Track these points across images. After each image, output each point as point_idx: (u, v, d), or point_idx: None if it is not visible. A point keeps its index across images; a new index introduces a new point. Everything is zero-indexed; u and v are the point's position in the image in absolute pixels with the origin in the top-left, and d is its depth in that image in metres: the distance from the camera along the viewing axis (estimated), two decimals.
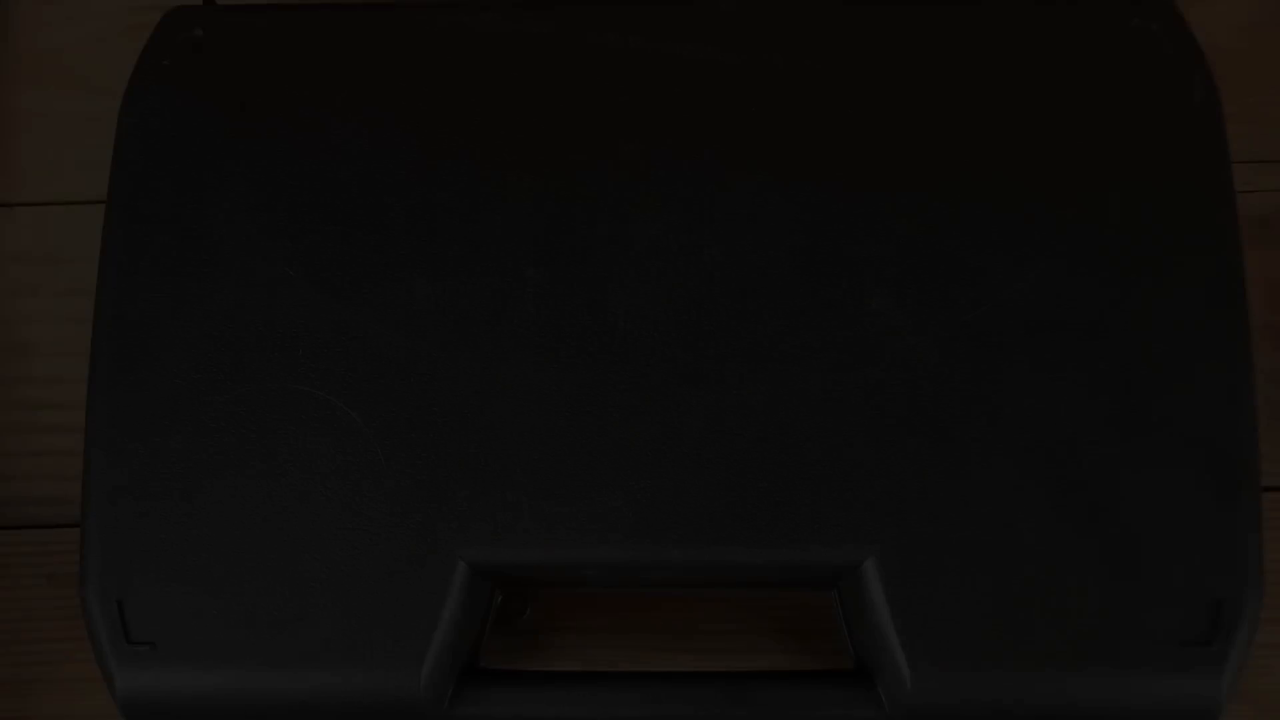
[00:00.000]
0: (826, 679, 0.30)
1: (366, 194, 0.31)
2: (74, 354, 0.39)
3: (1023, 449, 0.29)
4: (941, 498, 0.29)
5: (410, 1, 0.34)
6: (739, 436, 0.29)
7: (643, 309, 0.30)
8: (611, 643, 0.35)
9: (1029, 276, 0.30)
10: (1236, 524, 0.28)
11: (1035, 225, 0.30)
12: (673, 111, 0.32)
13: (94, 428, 0.30)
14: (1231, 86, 0.39)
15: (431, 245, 0.31)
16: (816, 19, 0.32)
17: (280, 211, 0.31)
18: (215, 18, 0.33)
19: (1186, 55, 0.32)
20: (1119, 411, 0.26)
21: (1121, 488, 0.28)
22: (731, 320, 0.30)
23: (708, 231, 0.31)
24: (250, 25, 0.33)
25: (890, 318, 0.30)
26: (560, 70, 0.32)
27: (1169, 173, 0.31)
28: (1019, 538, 0.28)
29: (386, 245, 0.31)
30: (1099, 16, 0.32)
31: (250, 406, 0.30)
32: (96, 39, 0.42)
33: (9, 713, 0.35)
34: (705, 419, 0.29)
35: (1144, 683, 0.28)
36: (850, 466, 0.29)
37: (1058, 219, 0.30)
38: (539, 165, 0.31)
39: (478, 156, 0.32)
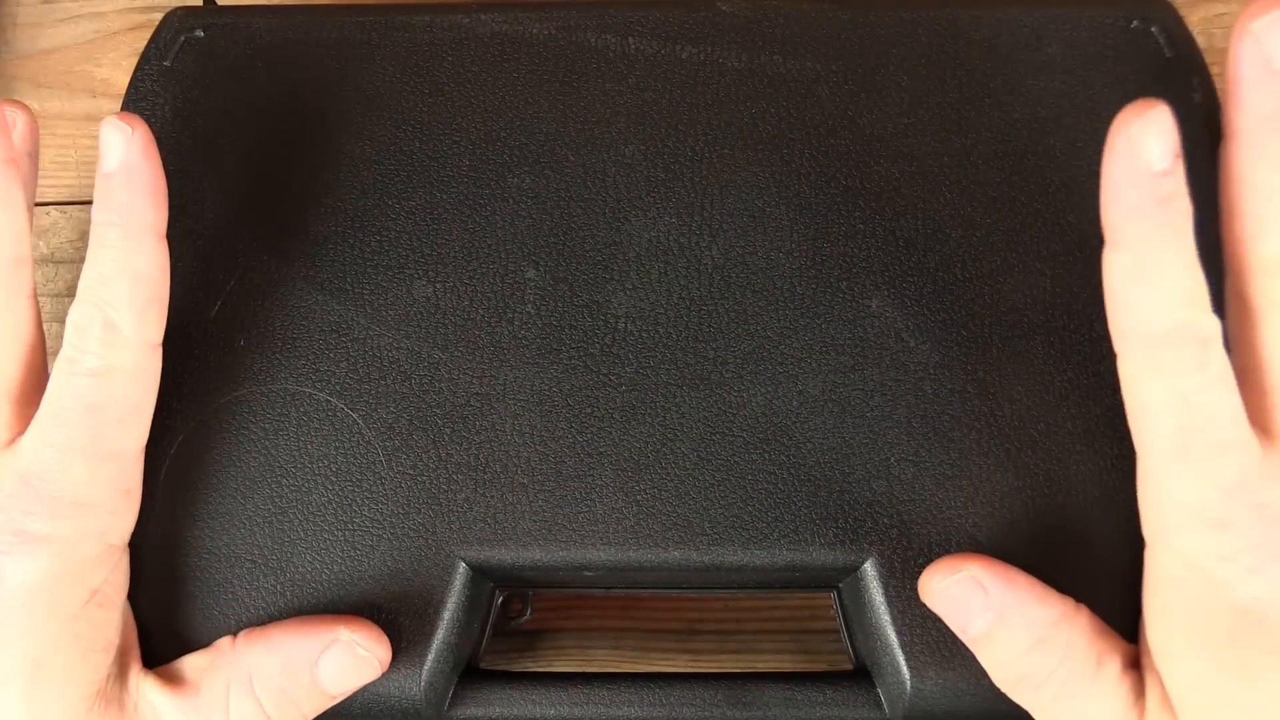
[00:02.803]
0: (826, 680, 0.30)
1: (366, 194, 0.31)
2: None
3: (1022, 450, 0.29)
4: (941, 499, 0.29)
5: (410, 2, 0.34)
6: (739, 438, 0.29)
7: (643, 310, 0.30)
8: (611, 643, 0.35)
9: (1029, 278, 0.30)
10: None
11: (1035, 226, 0.30)
12: (673, 111, 0.32)
13: None
14: None
15: (431, 246, 0.31)
16: (817, 20, 0.32)
17: (280, 212, 0.31)
18: (215, 18, 0.33)
19: (1186, 56, 0.32)
20: (1119, 413, 0.26)
21: (1120, 489, 0.28)
22: (731, 321, 0.30)
23: (708, 232, 0.31)
24: (250, 25, 0.33)
25: (890, 319, 0.30)
26: (560, 70, 0.32)
27: None
28: (1018, 538, 0.28)
29: (386, 245, 0.31)
30: (1099, 17, 0.32)
31: (250, 406, 0.30)
32: (96, 39, 0.42)
33: None
34: (705, 420, 0.29)
35: None
36: (850, 468, 0.29)
37: (1058, 220, 0.31)
38: (539, 165, 0.31)
39: (478, 157, 0.32)
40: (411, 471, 0.29)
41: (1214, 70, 0.32)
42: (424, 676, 0.28)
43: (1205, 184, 0.28)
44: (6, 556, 0.25)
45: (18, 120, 0.29)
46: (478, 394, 0.30)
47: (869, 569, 0.29)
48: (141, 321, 0.27)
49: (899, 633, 0.28)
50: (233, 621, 0.29)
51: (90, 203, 0.40)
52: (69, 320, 0.27)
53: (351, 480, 0.29)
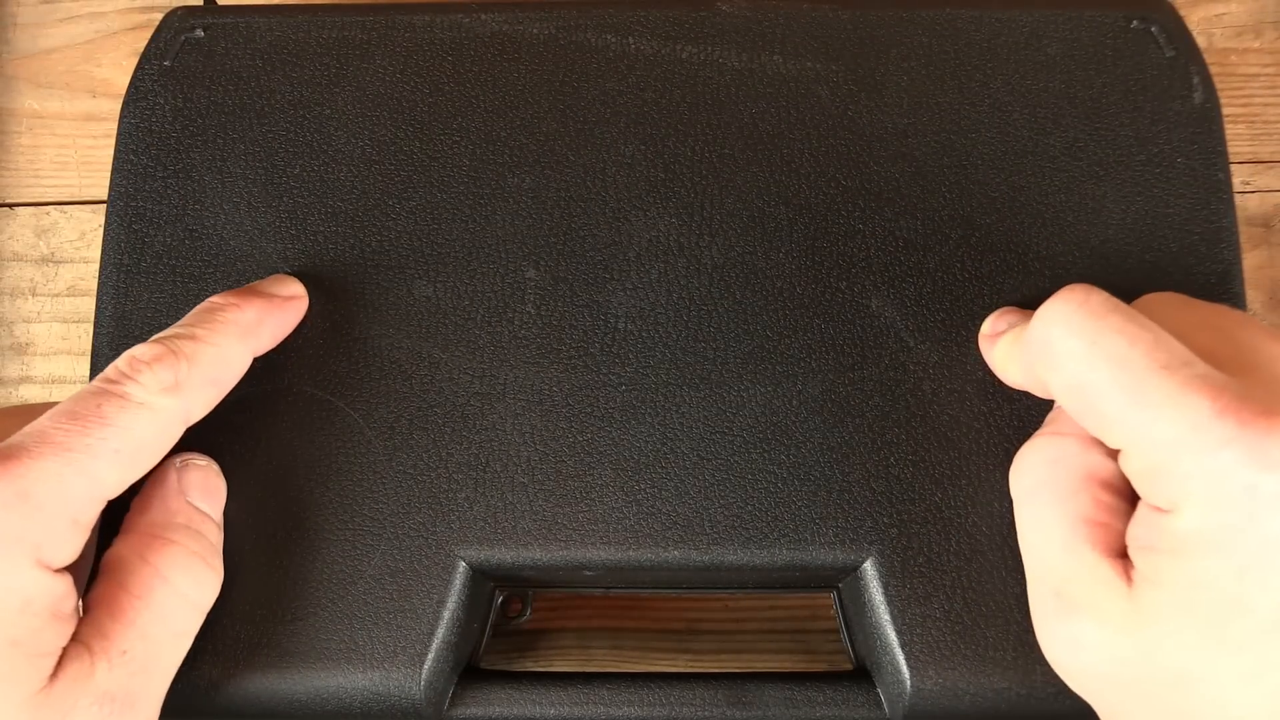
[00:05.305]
0: (826, 680, 0.30)
1: (367, 194, 0.31)
2: (74, 354, 0.39)
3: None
4: (940, 499, 0.29)
5: (410, 2, 0.34)
6: (738, 437, 0.29)
7: (643, 310, 0.30)
8: (611, 643, 0.35)
9: (1029, 278, 0.30)
10: None
11: (1034, 226, 0.30)
12: (673, 111, 0.32)
13: None
14: (1231, 86, 0.40)
15: (432, 245, 0.31)
16: (817, 20, 0.32)
17: (280, 212, 0.31)
18: (215, 18, 0.33)
19: (1186, 55, 0.32)
20: None
21: None
22: (731, 321, 0.30)
23: (708, 232, 0.31)
24: (250, 25, 0.33)
25: (890, 318, 0.30)
26: (560, 70, 0.32)
27: (1169, 173, 0.31)
28: (1017, 538, 0.28)
29: (387, 245, 0.31)
30: (1099, 17, 0.32)
31: (250, 406, 0.30)
32: (96, 39, 0.42)
33: None
34: (705, 420, 0.29)
35: None
36: (849, 468, 0.29)
37: (1057, 220, 0.31)
38: (539, 165, 0.31)
39: (478, 157, 0.32)
40: (411, 471, 0.29)
41: (1214, 70, 0.32)
42: (424, 676, 0.28)
43: (1206, 178, 0.28)
44: None
45: None
46: (478, 394, 0.30)
47: (869, 569, 0.29)
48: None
49: (899, 633, 0.28)
50: (233, 619, 0.29)
51: (90, 202, 0.40)
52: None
53: (351, 480, 0.29)
